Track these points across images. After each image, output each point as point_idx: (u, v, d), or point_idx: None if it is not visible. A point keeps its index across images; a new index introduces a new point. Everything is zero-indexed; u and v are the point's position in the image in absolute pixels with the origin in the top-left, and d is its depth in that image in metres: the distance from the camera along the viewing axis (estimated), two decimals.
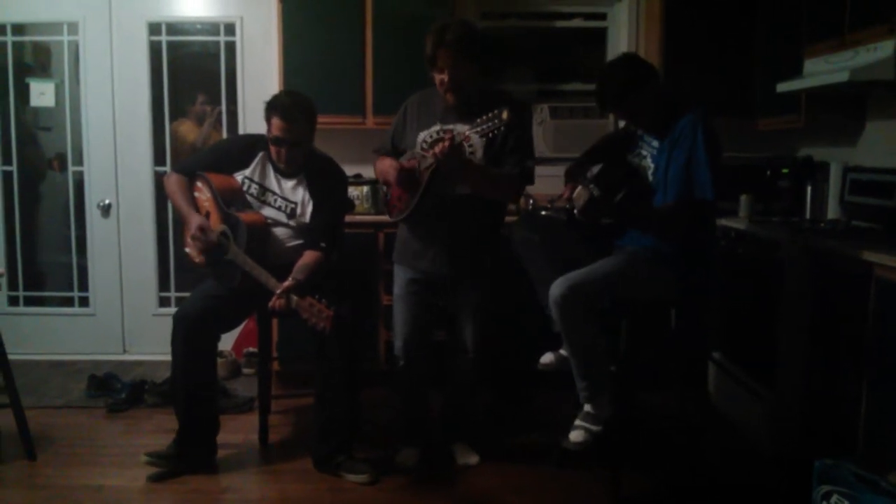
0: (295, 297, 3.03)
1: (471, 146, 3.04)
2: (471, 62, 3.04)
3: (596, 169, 3.06)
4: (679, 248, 2.98)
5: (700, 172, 2.84)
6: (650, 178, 3.01)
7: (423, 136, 3.16)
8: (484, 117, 2.84)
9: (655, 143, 3.02)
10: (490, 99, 3.00)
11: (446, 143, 2.85)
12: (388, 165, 3.16)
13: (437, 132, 3.12)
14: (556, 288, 2.86)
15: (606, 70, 3.08)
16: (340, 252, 3.46)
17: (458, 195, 3.08)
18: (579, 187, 2.87)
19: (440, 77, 3.04)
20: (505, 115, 2.78)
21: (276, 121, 3.29)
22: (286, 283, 3.09)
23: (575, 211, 2.87)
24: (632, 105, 2.97)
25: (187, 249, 3.45)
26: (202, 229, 3.26)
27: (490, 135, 2.87)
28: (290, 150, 3.32)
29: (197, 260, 3.39)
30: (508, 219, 3.87)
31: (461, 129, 3.00)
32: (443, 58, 2.99)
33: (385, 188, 3.28)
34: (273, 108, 3.30)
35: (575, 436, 2.97)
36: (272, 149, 3.36)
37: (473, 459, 3.40)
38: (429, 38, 3.02)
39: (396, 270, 3.37)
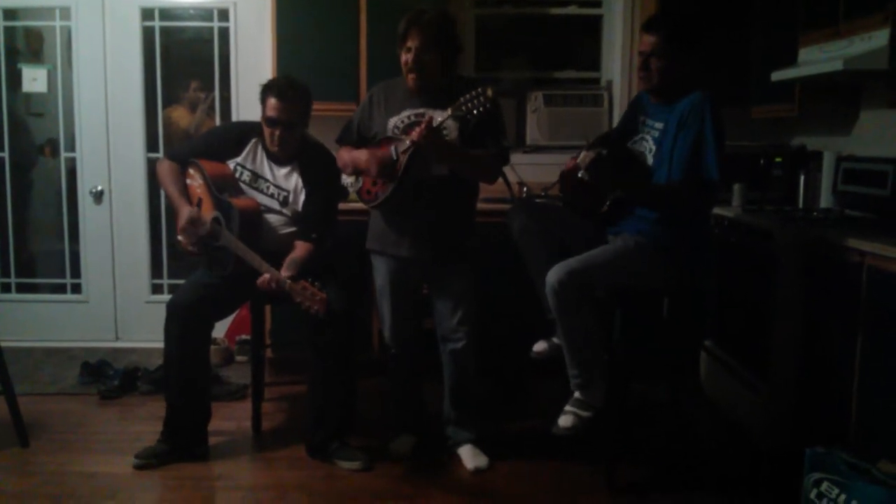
0: (288, 281, 3.02)
1: (445, 129, 3.04)
2: (439, 48, 3.05)
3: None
4: (675, 237, 2.99)
5: (707, 153, 2.87)
6: (650, 160, 3.02)
7: (393, 121, 3.15)
8: (466, 96, 2.86)
9: (659, 126, 3.03)
10: (459, 86, 3.02)
11: (423, 126, 2.86)
12: (361, 156, 3.12)
13: (409, 117, 3.12)
14: (554, 274, 2.87)
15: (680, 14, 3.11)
16: (334, 239, 3.46)
17: (436, 177, 3.08)
18: (583, 151, 2.87)
19: (406, 56, 3.05)
20: (489, 91, 2.82)
21: (270, 100, 3.28)
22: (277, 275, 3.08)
23: (580, 173, 2.84)
24: (679, 50, 2.98)
25: (180, 237, 3.44)
26: (192, 222, 3.25)
27: (474, 112, 2.87)
28: (283, 131, 3.30)
29: (189, 248, 3.39)
30: (500, 206, 3.89)
31: (435, 113, 2.99)
32: (413, 37, 3.00)
33: (355, 177, 3.26)
34: (269, 88, 3.31)
35: (564, 420, 2.97)
36: (265, 131, 3.35)
37: (483, 462, 3.31)
38: (405, 17, 3.04)
39: (376, 262, 3.35)
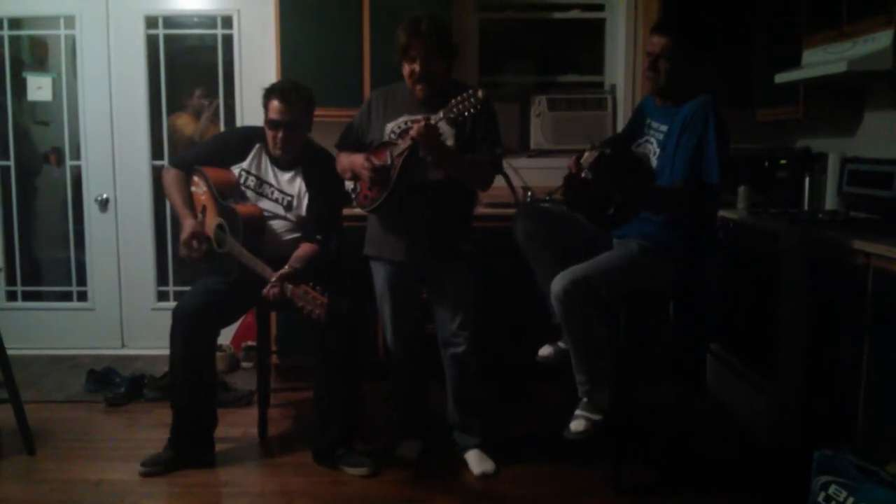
0: (289, 286, 3.03)
1: (442, 134, 3.05)
2: (442, 55, 3.08)
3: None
4: (680, 239, 2.99)
5: (709, 157, 2.87)
6: (654, 162, 3.02)
7: (390, 126, 3.17)
8: (458, 98, 2.87)
9: (664, 128, 3.03)
10: (452, 89, 3.02)
11: (422, 123, 2.87)
12: (357, 160, 3.13)
13: (405, 122, 3.13)
14: (558, 282, 2.86)
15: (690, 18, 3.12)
16: (338, 244, 3.46)
17: (431, 181, 3.09)
18: (587, 151, 2.88)
19: (411, 67, 3.06)
20: (480, 93, 2.84)
21: (273, 103, 3.30)
22: (282, 271, 3.08)
23: (583, 173, 2.85)
24: (687, 53, 2.98)
25: (182, 249, 3.45)
26: (194, 236, 3.27)
27: (466, 113, 2.89)
28: (286, 133, 3.31)
29: (192, 255, 3.39)
30: (505, 211, 3.88)
31: (432, 116, 3.01)
32: (416, 48, 3.02)
33: (353, 182, 3.28)
34: (271, 91, 3.33)
35: (576, 425, 2.97)
36: (268, 135, 3.36)
37: (490, 467, 3.30)
38: (401, 28, 3.05)
39: (374, 268, 3.36)
